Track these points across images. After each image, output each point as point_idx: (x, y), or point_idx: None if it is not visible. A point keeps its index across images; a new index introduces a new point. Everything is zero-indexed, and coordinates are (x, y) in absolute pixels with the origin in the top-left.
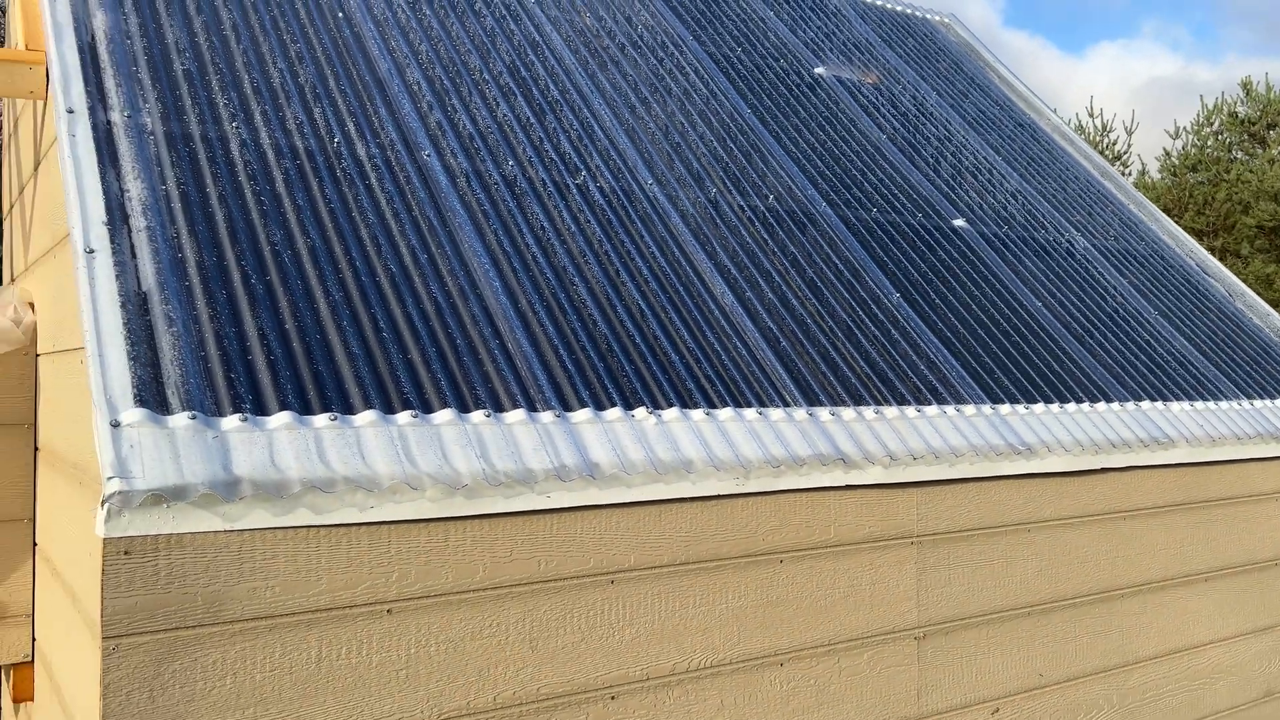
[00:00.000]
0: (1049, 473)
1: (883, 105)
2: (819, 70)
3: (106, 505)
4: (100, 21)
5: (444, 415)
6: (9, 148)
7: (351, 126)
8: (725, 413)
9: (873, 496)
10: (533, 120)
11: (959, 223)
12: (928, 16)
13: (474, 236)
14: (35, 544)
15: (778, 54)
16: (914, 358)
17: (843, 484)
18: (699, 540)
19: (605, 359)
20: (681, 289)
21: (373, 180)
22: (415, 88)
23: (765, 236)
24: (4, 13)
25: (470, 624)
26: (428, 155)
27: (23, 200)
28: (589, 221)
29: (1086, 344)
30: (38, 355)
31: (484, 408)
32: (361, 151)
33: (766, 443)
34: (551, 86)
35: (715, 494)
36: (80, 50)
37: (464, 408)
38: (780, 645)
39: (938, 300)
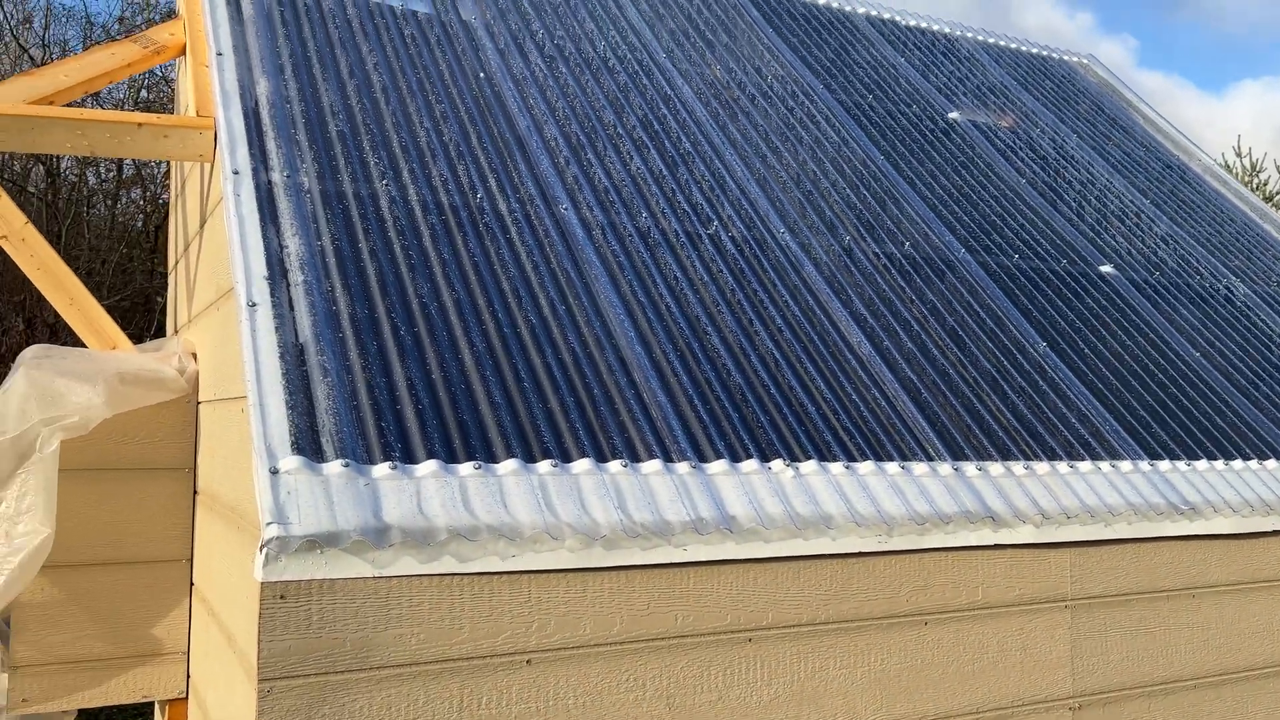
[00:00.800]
0: (1215, 534)
1: (1020, 149)
2: (953, 115)
3: (265, 550)
4: (263, 88)
5: (582, 464)
6: (176, 207)
7: (493, 182)
8: (865, 466)
9: (1024, 557)
10: (665, 172)
11: (1106, 269)
12: (1065, 58)
13: (609, 287)
14: (192, 584)
15: (910, 100)
16: (1064, 410)
17: (991, 543)
18: (840, 599)
19: (740, 409)
20: (816, 338)
21: (513, 234)
22: (553, 143)
23: (902, 284)
24: (170, 82)
25: (608, 677)
26: (565, 209)
27: (188, 256)
28: (721, 271)
29: (1252, 396)
30: (199, 403)
31: (621, 457)
32: (502, 206)
33: (910, 498)
34: (683, 139)
35: (856, 551)
36: (245, 115)
37: (601, 457)
38: (926, 711)
39: (1087, 350)
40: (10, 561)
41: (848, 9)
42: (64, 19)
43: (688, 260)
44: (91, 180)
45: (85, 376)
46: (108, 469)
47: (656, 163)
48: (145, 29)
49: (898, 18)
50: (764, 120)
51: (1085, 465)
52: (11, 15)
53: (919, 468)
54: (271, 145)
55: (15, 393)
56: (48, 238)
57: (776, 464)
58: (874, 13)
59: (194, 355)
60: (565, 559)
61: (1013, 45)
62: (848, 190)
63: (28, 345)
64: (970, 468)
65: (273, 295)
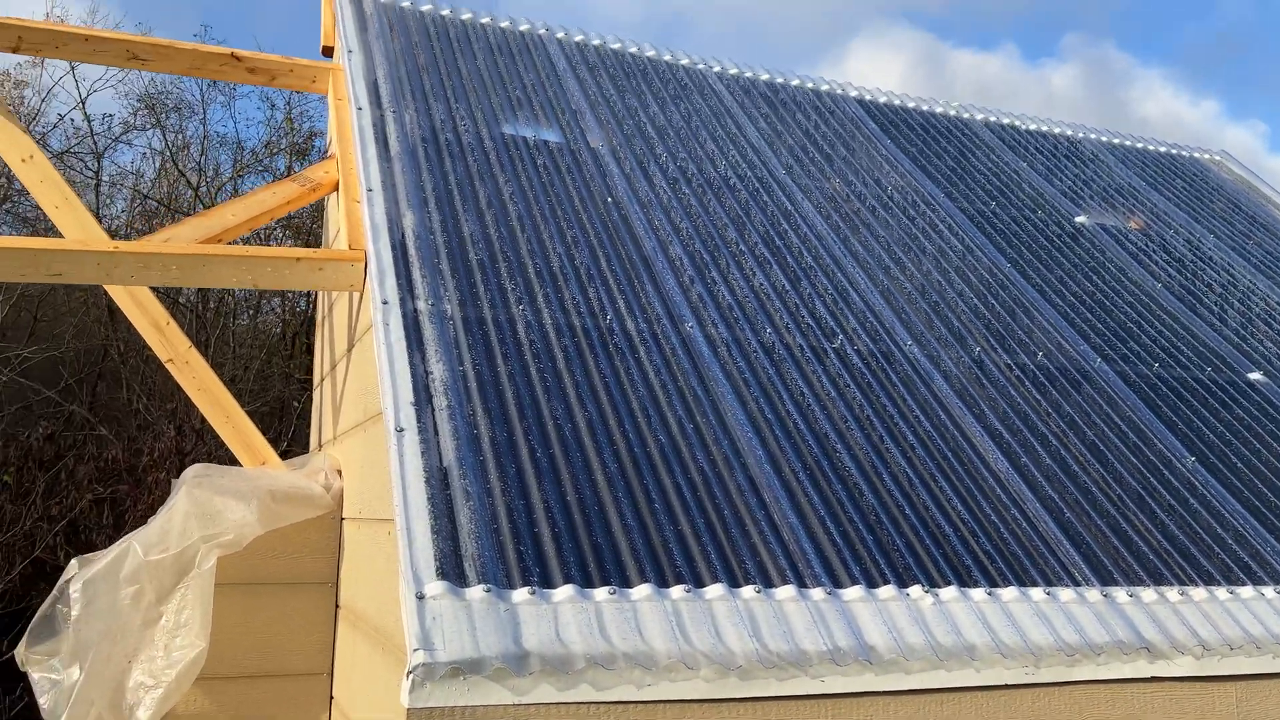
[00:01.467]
0: None
1: (1154, 251)
2: (1080, 219)
3: (411, 676)
4: (409, 221)
5: (715, 590)
6: (322, 327)
7: (621, 303)
8: (1008, 592)
9: (1183, 691)
10: (788, 287)
11: (1255, 376)
12: (1196, 155)
13: (736, 405)
14: (332, 697)
15: (1034, 205)
16: (1219, 530)
17: (1147, 675)
18: None
19: (874, 531)
20: (950, 455)
21: (641, 353)
22: (677, 263)
23: (1037, 397)
24: (319, 213)
25: None
26: (690, 327)
27: (334, 376)
28: (848, 386)
29: None
30: (343, 519)
31: (754, 582)
32: (630, 326)
33: (1057, 627)
34: (805, 253)
35: (1002, 684)
36: (393, 247)
37: (734, 582)
38: None
39: (1239, 464)
40: (168, 674)
41: (965, 116)
42: (218, 145)
43: (813, 375)
44: (236, 291)
45: (241, 495)
46: (257, 584)
47: (779, 278)
48: (287, 151)
49: (1016, 122)
50: (885, 231)
51: (1247, 591)
52: (173, 143)
53: (1065, 594)
54: (417, 275)
55: (178, 511)
56: (197, 346)
57: (915, 590)
58: (992, 118)
59: (339, 472)
60: (700, 689)
61: (1139, 144)
62: (975, 300)
63: (178, 449)
64: (1121, 594)
65: (419, 420)
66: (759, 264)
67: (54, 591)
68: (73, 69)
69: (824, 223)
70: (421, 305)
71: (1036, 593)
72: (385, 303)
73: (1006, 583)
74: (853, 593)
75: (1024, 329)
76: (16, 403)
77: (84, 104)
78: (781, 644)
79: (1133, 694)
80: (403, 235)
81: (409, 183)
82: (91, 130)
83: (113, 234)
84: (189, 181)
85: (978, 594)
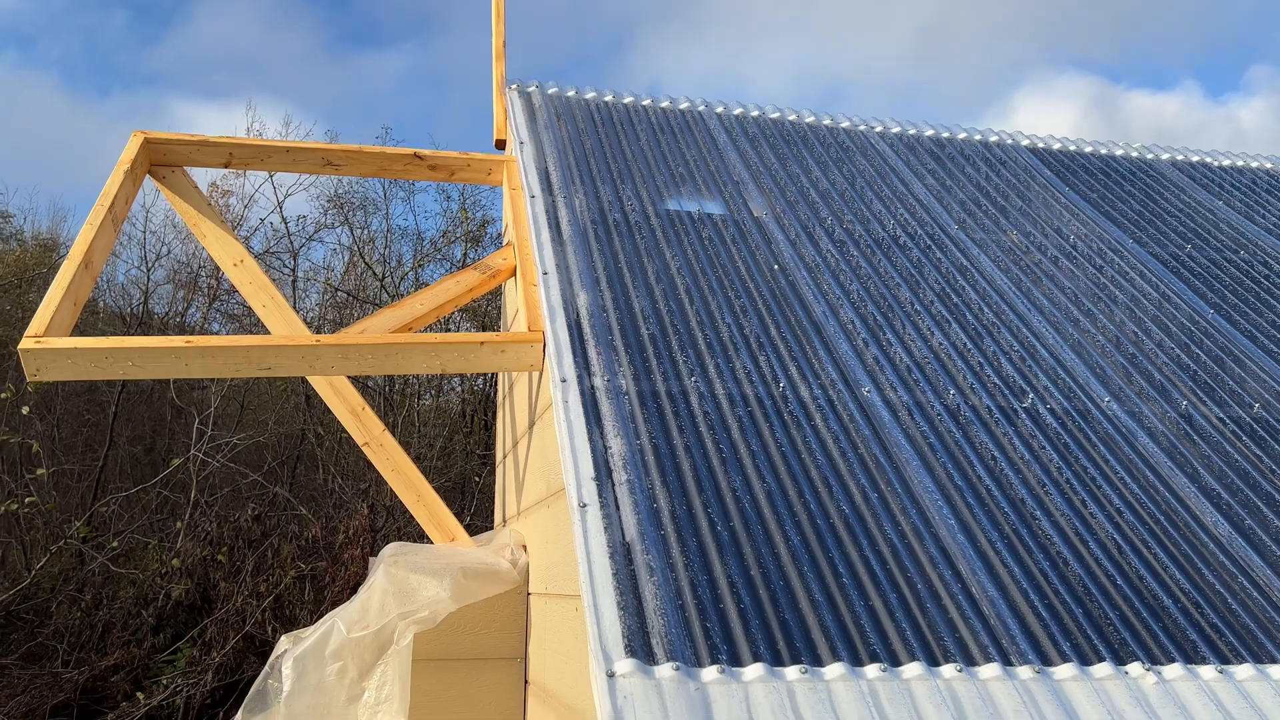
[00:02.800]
0: None
1: None
2: None
3: None
4: (583, 300)
5: (912, 669)
6: (503, 406)
7: (794, 370)
8: (1243, 670)
9: None
10: (970, 345)
11: None
12: None
13: (922, 471)
14: None
15: (1235, 245)
16: None
17: None
18: None
19: (1084, 604)
20: (1163, 518)
21: (817, 420)
22: (850, 326)
23: (1257, 452)
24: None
25: None
26: (868, 391)
27: (516, 452)
28: (1043, 447)
29: None
30: (529, 594)
31: (953, 660)
32: (805, 393)
33: None
34: (985, 309)
35: None
36: (569, 327)
37: (932, 660)
38: None
39: None
40: None
41: (1149, 157)
42: (400, 237)
43: (1004, 437)
44: (422, 374)
45: (435, 572)
46: (450, 659)
47: (959, 336)
48: (463, 240)
49: (1208, 159)
50: (1071, 282)
51: None
52: (359, 238)
53: None
54: (592, 352)
55: (377, 589)
56: (386, 426)
57: (1134, 668)
58: (1179, 157)
59: (524, 547)
60: None
61: None
62: (1176, 350)
63: (370, 527)
64: None
65: (600, 495)
66: (936, 323)
67: (266, 667)
68: (270, 177)
69: (1003, 276)
70: (598, 382)
71: (1277, 671)
72: (564, 380)
73: (1240, 659)
74: (1064, 671)
75: (1235, 379)
76: (227, 486)
77: (281, 208)
78: None
79: None
80: (578, 314)
81: (581, 263)
82: (288, 231)
83: (308, 324)
84: (375, 273)
85: (1207, 672)
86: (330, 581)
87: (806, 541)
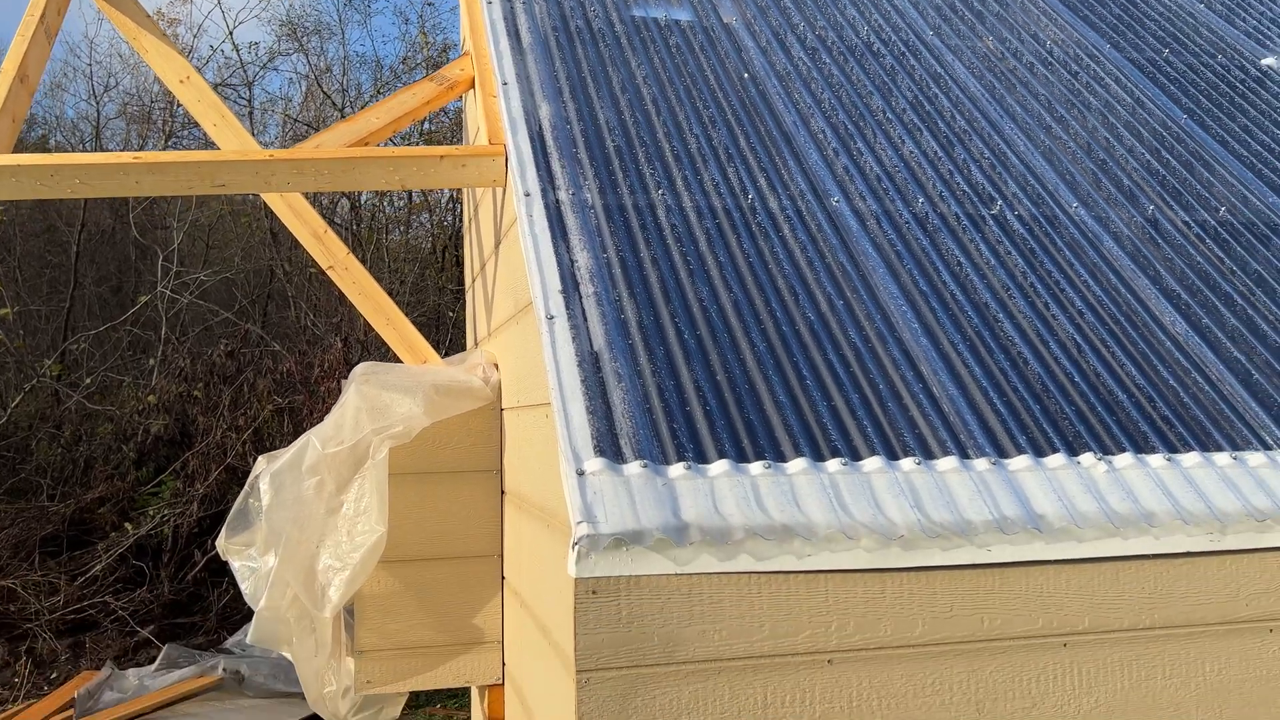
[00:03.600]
0: None
1: None
2: (1267, 61)
3: (576, 548)
4: (545, 111)
5: (873, 463)
6: (469, 230)
7: (763, 181)
8: (1190, 458)
9: None
10: (940, 154)
11: None
12: None
13: (888, 278)
14: (503, 577)
15: (1213, 50)
16: None
17: None
18: (1165, 603)
19: (1041, 400)
20: (1123, 319)
21: (785, 231)
22: (820, 136)
23: (1219, 254)
24: (449, 113)
25: (912, 680)
26: (836, 201)
27: (484, 275)
28: (1009, 253)
29: None
30: (503, 409)
31: (913, 455)
32: (774, 204)
33: (1245, 492)
34: (957, 117)
35: (1184, 551)
36: (531, 139)
37: (892, 455)
38: None
39: None
40: (353, 557)
41: None
42: (358, 65)
43: (971, 244)
44: (388, 209)
45: (407, 390)
46: (428, 473)
47: (930, 144)
48: (424, 65)
49: None
50: (1045, 89)
51: None
52: (316, 66)
53: (1255, 458)
54: (556, 166)
55: (350, 406)
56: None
57: (1086, 458)
58: None
59: (496, 365)
60: (862, 559)
61: None
62: (1147, 155)
63: (345, 360)
64: None
65: (568, 308)
66: (908, 131)
67: (245, 487)
68: (218, 2)
69: (977, 84)
70: (563, 195)
71: (1222, 457)
72: (527, 195)
73: (1188, 448)
74: (1019, 462)
75: (1203, 183)
76: (198, 325)
77: (232, 35)
78: (945, 514)
79: None
80: (540, 126)
81: (543, 73)
82: (241, 60)
83: None
84: (334, 103)
85: (1156, 460)
86: (308, 414)
87: (772, 348)
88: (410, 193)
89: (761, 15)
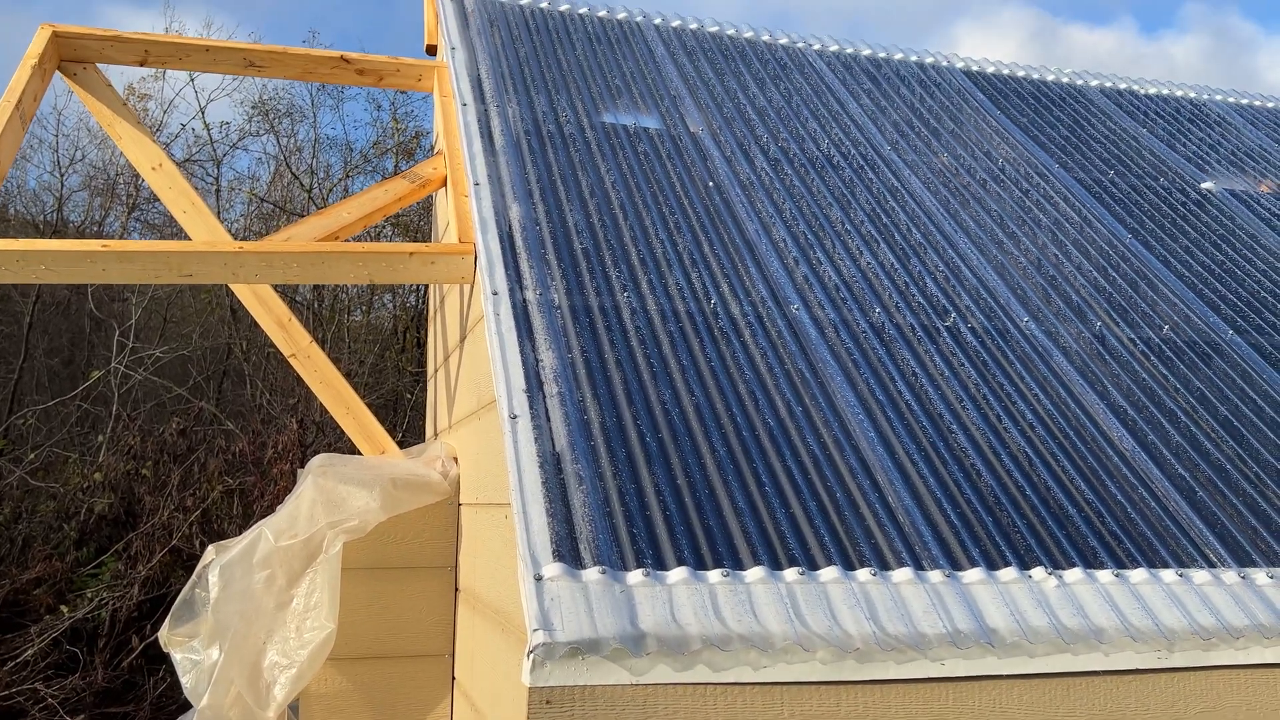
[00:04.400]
0: None
1: None
2: (1206, 185)
3: (531, 656)
4: (515, 213)
5: (829, 573)
6: (434, 321)
7: (725, 287)
8: (1137, 574)
9: None
10: (897, 265)
11: None
12: None
13: (845, 386)
14: (454, 678)
15: (1156, 172)
16: None
17: None
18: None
19: (993, 513)
20: (1072, 433)
21: (746, 336)
22: (781, 245)
23: (1164, 371)
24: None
25: None
26: (796, 309)
27: (448, 366)
28: (963, 364)
29: None
30: (460, 505)
31: (869, 565)
32: (735, 310)
33: (1191, 609)
34: (913, 230)
35: (1132, 668)
36: (500, 239)
37: (848, 565)
38: None
39: None
40: (300, 654)
41: (1079, 83)
42: (328, 147)
43: (925, 355)
44: (350, 289)
45: (364, 483)
46: (381, 568)
47: (887, 256)
48: (394, 151)
49: (1135, 87)
50: (998, 205)
51: None
52: (286, 147)
53: (1199, 575)
54: (524, 266)
55: (305, 498)
56: (315, 342)
57: (1037, 572)
58: (1108, 84)
59: (455, 459)
60: (817, 671)
61: (1270, 104)
62: (1094, 273)
63: (300, 442)
64: (1260, 575)
65: (531, 408)
66: (865, 243)
67: (193, 576)
68: (192, 80)
69: (933, 198)
70: (530, 295)
71: (1168, 574)
72: (495, 293)
73: (1135, 564)
74: (972, 575)
75: (1148, 301)
76: (150, 400)
77: (203, 113)
78: (900, 626)
79: (1277, 679)
80: (510, 227)
81: (514, 175)
82: (210, 138)
83: (234, 235)
84: (302, 184)
85: (1104, 576)
86: (259, 496)
87: (732, 452)
88: None
89: (727, 126)
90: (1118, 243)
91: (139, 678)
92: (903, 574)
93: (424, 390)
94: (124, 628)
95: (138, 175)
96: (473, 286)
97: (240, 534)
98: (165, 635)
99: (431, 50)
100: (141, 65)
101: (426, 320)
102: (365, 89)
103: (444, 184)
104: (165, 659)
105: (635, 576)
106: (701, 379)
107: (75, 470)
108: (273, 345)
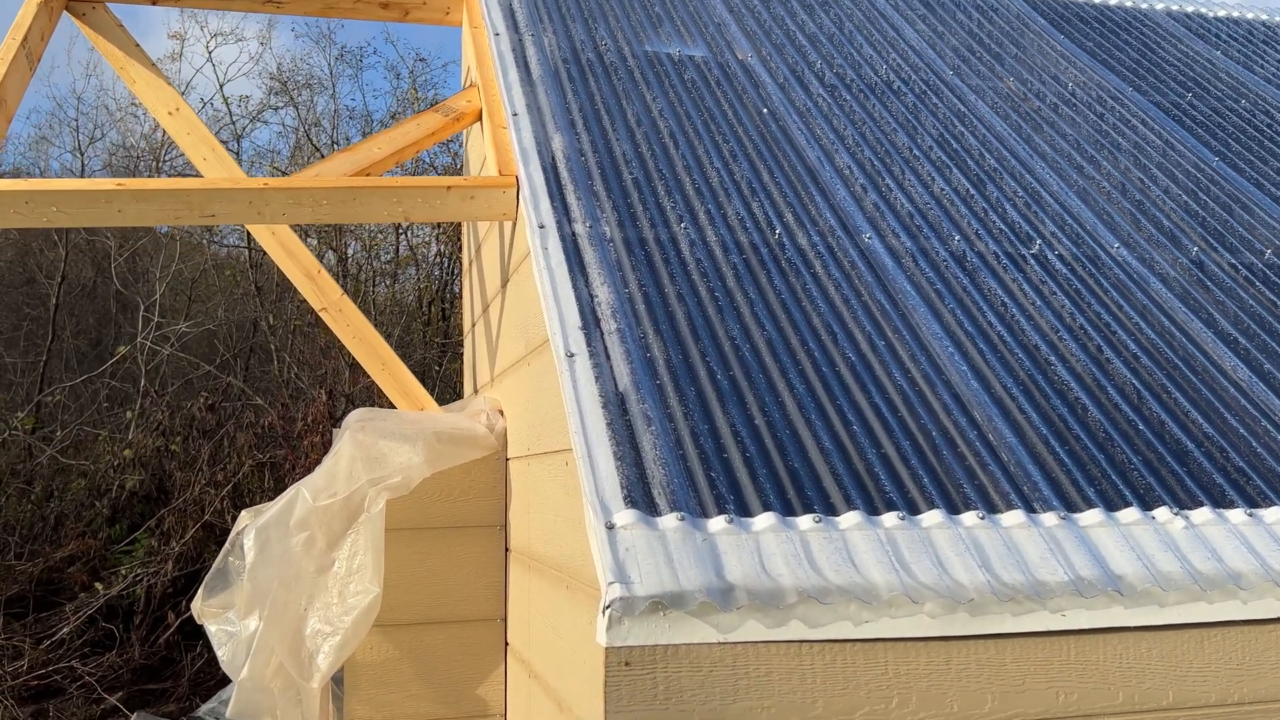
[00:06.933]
0: None
1: None
2: None
3: (608, 612)
4: (558, 143)
5: (932, 517)
6: (469, 272)
7: (790, 217)
8: (1272, 513)
9: None
10: (972, 192)
11: None
12: None
13: (930, 318)
14: (507, 643)
15: (1236, 95)
16: None
17: None
18: (1256, 675)
19: (1105, 450)
20: (1181, 364)
21: (817, 268)
22: (846, 172)
23: (1272, 298)
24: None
25: None
26: (869, 238)
27: (487, 318)
28: (1054, 293)
29: None
30: (508, 459)
31: (975, 508)
32: (803, 240)
33: None
34: (986, 155)
35: (1274, 616)
36: (544, 170)
37: (952, 509)
38: None
39: None
40: (344, 620)
41: (1143, 6)
42: (348, 118)
43: (1014, 284)
44: (374, 263)
45: (406, 437)
46: (425, 528)
47: (961, 182)
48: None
49: (1203, 9)
50: (1072, 129)
51: None
52: (305, 119)
53: None
54: (571, 198)
55: (344, 455)
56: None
57: (1161, 512)
58: (1174, 7)
59: (500, 412)
60: (925, 625)
61: None
62: (1184, 197)
63: (329, 414)
64: None
65: (589, 345)
66: (937, 169)
67: (226, 544)
68: (209, 56)
69: (1003, 123)
70: (579, 228)
71: None
72: (542, 227)
73: (1268, 502)
74: (1090, 517)
75: (1245, 226)
76: (178, 378)
77: (222, 89)
78: (1016, 574)
79: None
80: (553, 158)
81: (554, 105)
82: (230, 113)
83: None
84: (323, 156)
85: (1236, 516)
86: (290, 469)
87: (812, 389)
88: (398, 246)
89: (777, 53)
90: (1205, 166)
91: (176, 653)
92: (1013, 517)
93: (453, 360)
94: (159, 604)
95: (159, 155)
96: (515, 223)
97: None
98: (199, 607)
99: None
100: (154, 4)
101: (453, 294)
102: (384, 60)
103: (479, 117)
104: (202, 634)
105: (717, 523)
106: (772, 313)
107: (106, 448)
108: (300, 319)
